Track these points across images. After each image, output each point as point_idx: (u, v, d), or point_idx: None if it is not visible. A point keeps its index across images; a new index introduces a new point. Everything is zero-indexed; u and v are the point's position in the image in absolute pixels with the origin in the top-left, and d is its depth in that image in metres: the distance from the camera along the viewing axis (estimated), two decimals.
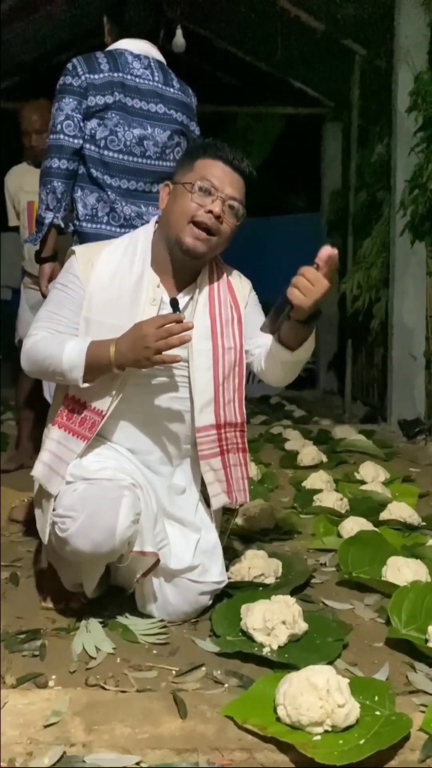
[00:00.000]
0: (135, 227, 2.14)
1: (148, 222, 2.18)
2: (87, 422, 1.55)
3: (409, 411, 4.11)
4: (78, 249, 1.65)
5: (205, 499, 1.69)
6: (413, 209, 3.90)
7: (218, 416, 1.63)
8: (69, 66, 2.13)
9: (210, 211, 1.53)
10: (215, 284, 1.66)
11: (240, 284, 1.71)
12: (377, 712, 1.19)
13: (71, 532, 1.44)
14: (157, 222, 1.67)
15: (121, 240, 1.67)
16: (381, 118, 4.59)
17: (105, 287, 1.57)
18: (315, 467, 3.03)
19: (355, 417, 4.93)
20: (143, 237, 1.64)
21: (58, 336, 1.56)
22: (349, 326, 5.32)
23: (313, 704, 1.12)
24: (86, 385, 1.52)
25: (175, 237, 1.56)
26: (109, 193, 2.15)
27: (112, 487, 1.47)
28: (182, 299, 1.62)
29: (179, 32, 4.64)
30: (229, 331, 1.63)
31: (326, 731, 1.13)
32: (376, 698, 1.22)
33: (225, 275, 1.69)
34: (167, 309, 1.59)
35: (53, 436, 1.57)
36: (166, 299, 1.60)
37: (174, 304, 1.56)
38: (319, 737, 1.12)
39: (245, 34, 5.75)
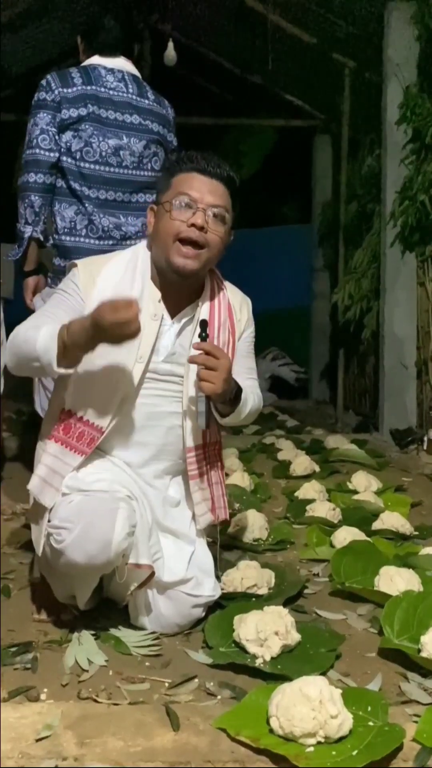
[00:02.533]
0: (113, 238, 2.20)
1: (126, 233, 2.20)
2: (85, 437, 1.55)
3: (401, 420, 4.12)
4: (80, 262, 1.63)
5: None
6: (403, 220, 3.93)
7: (205, 436, 1.64)
8: (43, 82, 2.19)
9: (193, 225, 1.51)
10: (216, 306, 1.65)
11: (240, 311, 1.70)
12: (370, 723, 1.19)
13: (66, 544, 1.44)
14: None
15: (123, 254, 1.65)
16: (371, 131, 4.63)
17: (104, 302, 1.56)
18: (307, 477, 3.03)
19: (347, 426, 4.93)
20: (143, 252, 1.63)
21: (38, 330, 1.50)
22: (341, 336, 5.33)
23: (306, 715, 1.12)
24: (61, 370, 1.46)
25: (165, 259, 1.55)
26: (87, 204, 2.18)
27: (107, 498, 1.47)
28: (184, 317, 1.61)
29: (171, 45, 4.67)
30: None
31: (319, 742, 1.13)
32: (369, 709, 1.22)
33: (227, 296, 1.68)
34: (168, 324, 1.60)
35: (50, 450, 1.57)
36: (168, 315, 1.60)
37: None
38: (312, 748, 1.12)
39: (237, 48, 5.80)
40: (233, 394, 1.56)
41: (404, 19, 3.98)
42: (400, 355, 4.15)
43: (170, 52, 4.67)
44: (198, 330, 1.53)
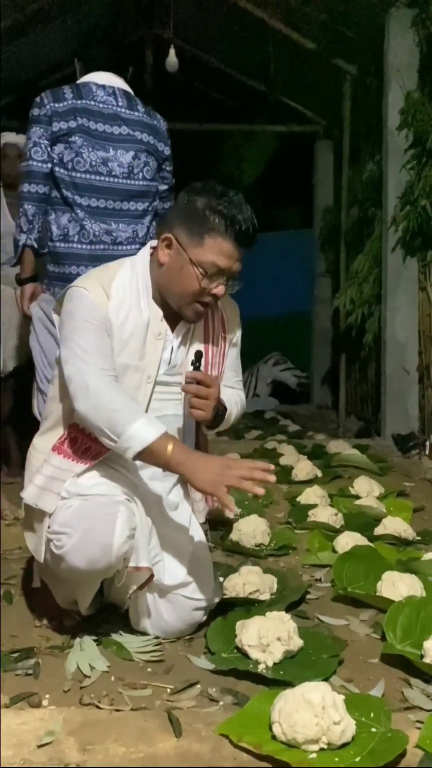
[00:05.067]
0: (104, 243, 2.30)
1: (116, 238, 2.27)
2: (92, 451, 1.54)
3: (402, 425, 4.12)
4: (86, 284, 1.54)
5: None
6: (405, 225, 3.93)
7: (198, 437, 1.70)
8: (37, 99, 2.33)
9: (214, 294, 1.55)
10: (210, 317, 1.68)
11: (232, 318, 1.73)
12: (373, 729, 1.18)
13: (67, 549, 1.44)
14: (151, 253, 1.62)
15: (123, 273, 1.59)
16: (372, 136, 4.64)
17: (119, 327, 1.54)
18: (309, 482, 3.02)
19: (349, 431, 4.93)
20: (141, 270, 1.60)
21: (122, 389, 1.51)
22: (343, 341, 5.34)
23: (309, 721, 1.12)
24: (131, 460, 1.48)
25: (176, 306, 1.58)
26: (78, 211, 2.30)
27: (107, 502, 1.47)
28: (182, 329, 1.63)
29: (172, 52, 4.69)
30: (215, 361, 1.68)
31: (322, 749, 1.12)
32: (372, 715, 1.21)
33: (220, 307, 1.70)
34: (171, 343, 1.61)
35: (53, 462, 1.55)
36: (170, 333, 1.61)
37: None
38: (314, 755, 1.12)
39: (238, 54, 5.83)
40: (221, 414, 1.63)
41: (405, 24, 4.00)
42: (402, 360, 4.15)
43: (172, 59, 4.69)
44: (192, 359, 1.60)
